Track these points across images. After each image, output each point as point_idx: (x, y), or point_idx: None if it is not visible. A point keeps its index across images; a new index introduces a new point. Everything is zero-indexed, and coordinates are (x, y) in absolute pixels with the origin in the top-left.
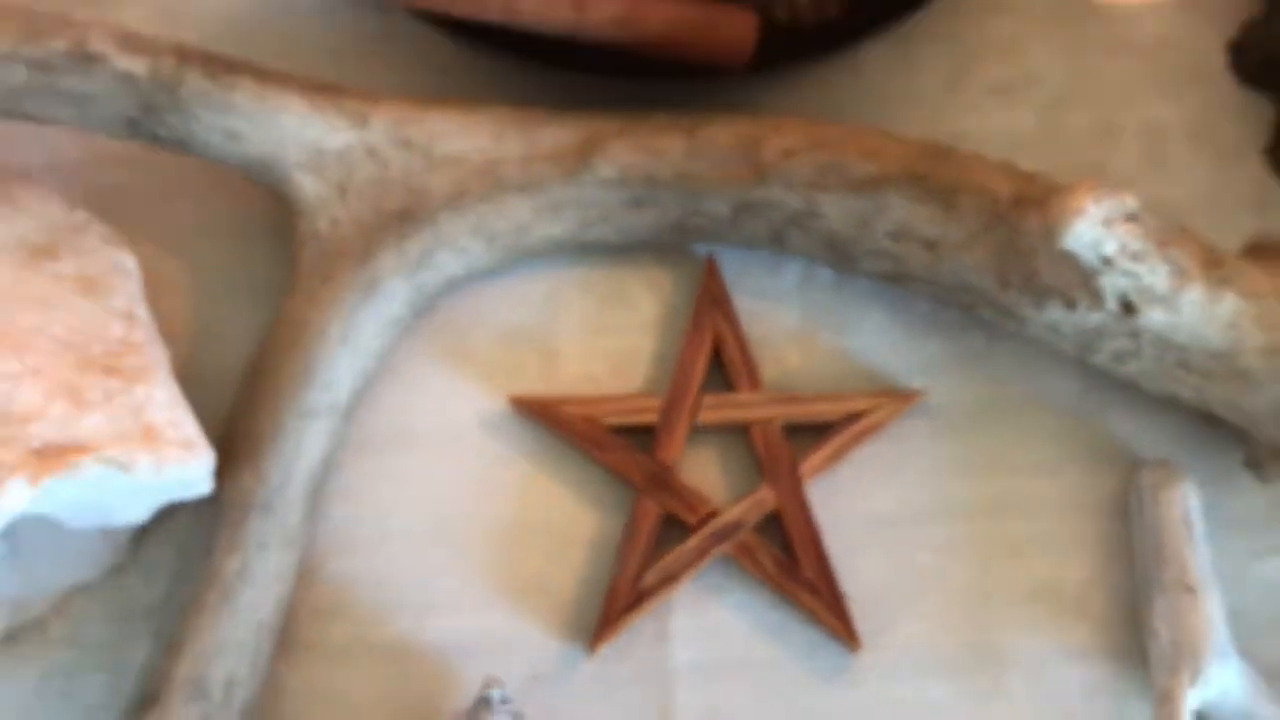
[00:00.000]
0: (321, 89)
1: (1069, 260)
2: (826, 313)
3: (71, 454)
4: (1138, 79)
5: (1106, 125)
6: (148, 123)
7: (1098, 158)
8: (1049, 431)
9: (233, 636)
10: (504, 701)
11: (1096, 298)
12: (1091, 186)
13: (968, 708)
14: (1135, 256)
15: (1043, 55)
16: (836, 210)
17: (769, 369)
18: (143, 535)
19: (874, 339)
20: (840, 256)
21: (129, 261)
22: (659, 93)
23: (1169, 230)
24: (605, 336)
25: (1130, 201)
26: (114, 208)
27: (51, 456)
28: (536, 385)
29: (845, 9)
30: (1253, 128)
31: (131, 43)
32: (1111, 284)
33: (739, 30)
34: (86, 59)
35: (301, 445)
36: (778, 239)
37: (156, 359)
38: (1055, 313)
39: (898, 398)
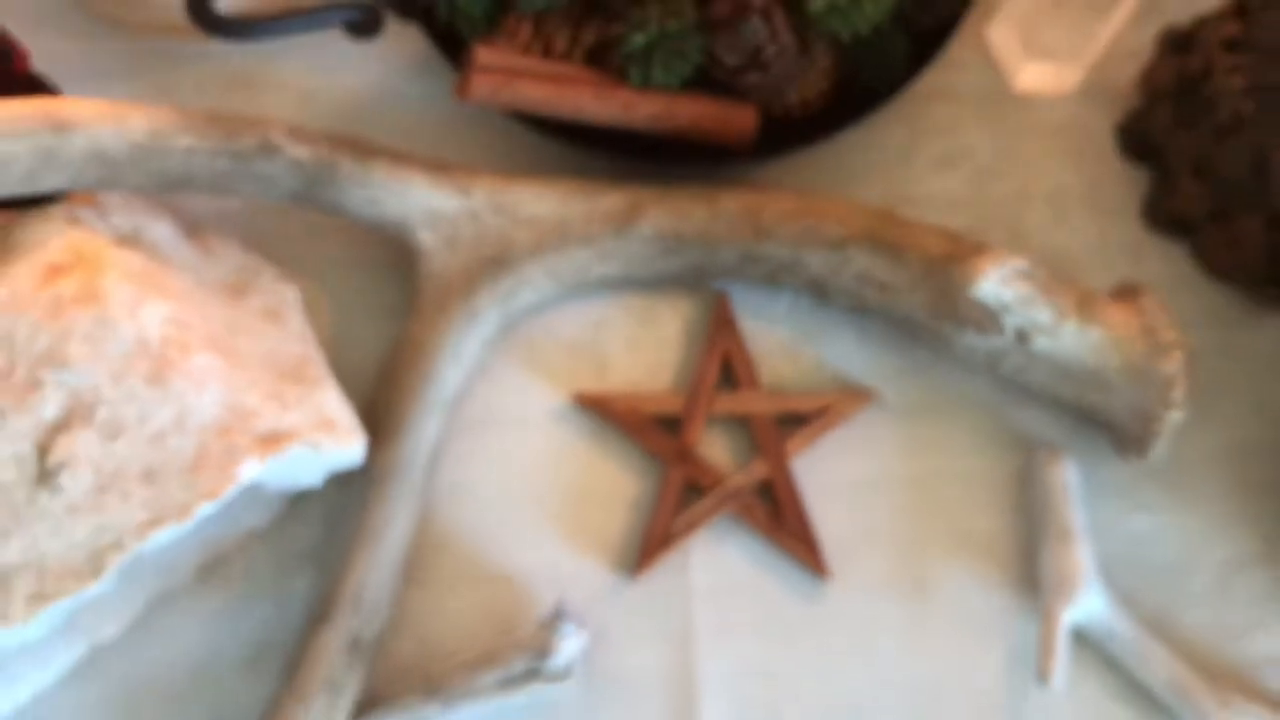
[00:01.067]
0: (437, 167)
1: (980, 303)
2: (808, 333)
3: (284, 439)
4: (1046, 154)
5: (1021, 190)
6: (309, 194)
7: (1015, 215)
8: (970, 422)
9: (379, 568)
10: (570, 615)
11: (1000, 329)
12: (994, 255)
13: (907, 621)
14: (1026, 302)
15: (973, 135)
16: (816, 261)
17: (765, 373)
18: (299, 495)
19: (843, 352)
20: (819, 292)
21: (293, 294)
22: (686, 171)
23: (1053, 280)
24: (642, 349)
25: (1022, 264)
26: (271, 249)
27: (271, 441)
28: (592, 385)
29: (825, 106)
30: (1133, 193)
31: (300, 135)
32: (1010, 320)
33: (744, 122)
34: (269, 149)
35: (423, 431)
36: (772, 279)
37: (324, 368)
38: (972, 338)
39: (859, 396)
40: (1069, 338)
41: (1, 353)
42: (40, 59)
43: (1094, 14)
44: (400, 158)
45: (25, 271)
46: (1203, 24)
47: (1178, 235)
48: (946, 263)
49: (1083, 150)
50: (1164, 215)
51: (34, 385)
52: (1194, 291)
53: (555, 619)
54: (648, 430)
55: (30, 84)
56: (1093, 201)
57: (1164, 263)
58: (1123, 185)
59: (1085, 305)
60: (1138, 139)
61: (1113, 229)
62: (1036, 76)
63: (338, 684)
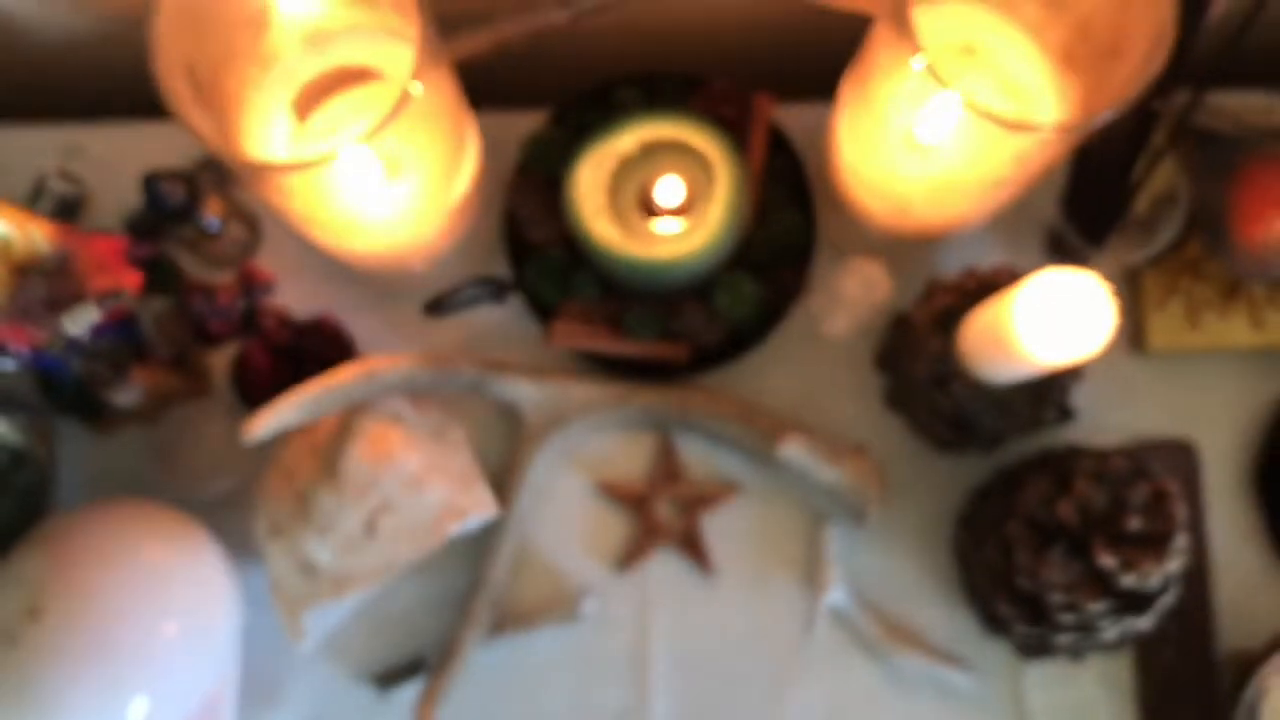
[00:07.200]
0: (532, 372)
1: (781, 458)
2: (708, 453)
3: (465, 513)
4: (837, 365)
5: (821, 384)
6: (473, 388)
7: (818, 399)
8: (787, 500)
9: (502, 564)
10: (587, 589)
11: (786, 465)
12: (786, 436)
13: (752, 598)
14: (803, 456)
15: (798, 357)
16: (711, 424)
17: (688, 472)
18: None
19: (726, 465)
20: (713, 436)
21: (463, 432)
22: (652, 377)
23: (820, 443)
24: (628, 459)
25: (800, 440)
26: (450, 407)
27: (460, 513)
28: (603, 475)
29: (722, 346)
30: (879, 388)
31: (470, 362)
32: (793, 463)
33: (682, 354)
34: (458, 372)
35: (523, 501)
36: (690, 428)
37: (479, 472)
38: (781, 469)
39: (733, 486)
40: (827, 472)
41: (356, 484)
42: (308, 305)
43: (827, 300)
44: (514, 368)
45: (362, 444)
46: (908, 315)
47: (900, 412)
48: (769, 435)
49: (855, 364)
50: (894, 402)
51: (366, 494)
52: (907, 440)
53: (579, 591)
54: (630, 500)
55: (347, 347)
56: (858, 393)
57: (894, 425)
58: (875, 384)
59: (836, 457)
60: (882, 361)
61: (869, 407)
62: (833, 327)
63: (482, 619)
